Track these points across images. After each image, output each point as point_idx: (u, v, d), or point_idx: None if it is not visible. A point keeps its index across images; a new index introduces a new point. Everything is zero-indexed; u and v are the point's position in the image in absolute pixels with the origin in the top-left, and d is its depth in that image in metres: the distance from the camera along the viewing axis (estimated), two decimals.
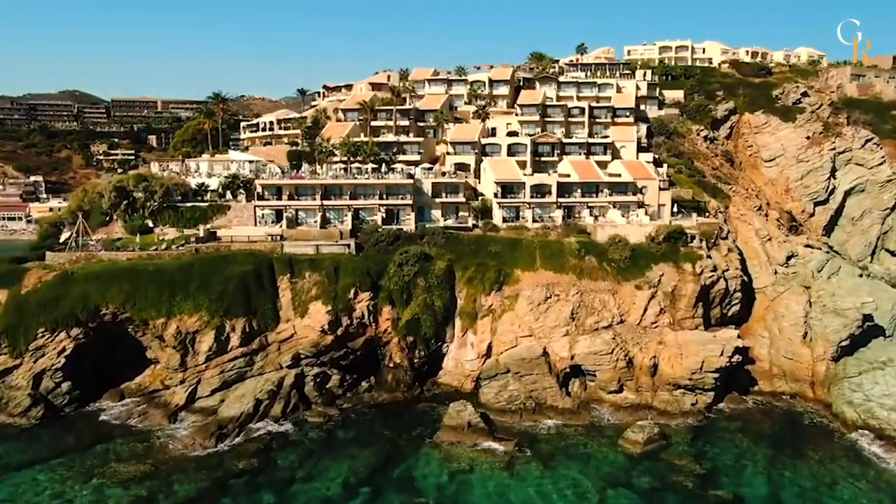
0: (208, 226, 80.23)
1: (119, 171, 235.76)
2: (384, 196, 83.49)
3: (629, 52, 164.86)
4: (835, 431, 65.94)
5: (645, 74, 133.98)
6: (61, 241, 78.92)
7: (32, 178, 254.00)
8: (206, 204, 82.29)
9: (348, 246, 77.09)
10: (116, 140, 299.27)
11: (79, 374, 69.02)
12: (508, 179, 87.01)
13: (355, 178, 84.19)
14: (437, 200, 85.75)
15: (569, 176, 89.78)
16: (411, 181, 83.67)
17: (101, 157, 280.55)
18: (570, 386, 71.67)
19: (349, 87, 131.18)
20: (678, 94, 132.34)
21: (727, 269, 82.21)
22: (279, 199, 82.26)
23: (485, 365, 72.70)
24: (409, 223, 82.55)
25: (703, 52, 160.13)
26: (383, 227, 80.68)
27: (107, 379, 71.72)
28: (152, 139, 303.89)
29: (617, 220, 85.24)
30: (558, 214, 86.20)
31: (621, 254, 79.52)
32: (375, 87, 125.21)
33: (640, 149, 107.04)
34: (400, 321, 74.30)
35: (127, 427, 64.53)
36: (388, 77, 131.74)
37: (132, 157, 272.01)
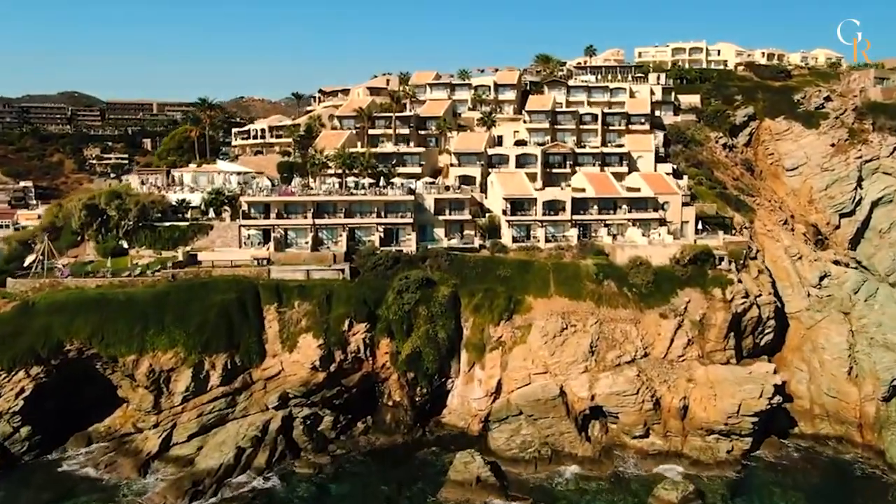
0: (188, 248, 72.78)
1: (112, 175, 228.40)
2: (382, 214, 76.06)
3: (640, 53, 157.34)
4: (890, 486, 58.59)
5: (659, 78, 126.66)
6: (25, 264, 71.39)
7: (22, 184, 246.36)
8: (187, 223, 74.89)
9: (342, 271, 69.66)
10: (110, 143, 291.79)
11: (40, 416, 61.63)
12: (518, 195, 79.56)
13: (351, 195, 76.71)
14: (441, 218, 78.32)
15: (584, 190, 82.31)
16: (412, 197, 76.24)
17: (94, 162, 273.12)
18: (590, 429, 64.26)
19: (346, 91, 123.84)
20: (694, 99, 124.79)
21: (760, 295, 74.87)
22: (267, 217, 74.77)
23: (494, 405, 65.26)
24: (409, 244, 75.15)
25: (719, 54, 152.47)
26: (381, 248, 73.22)
27: (73, 420, 64.31)
28: (147, 143, 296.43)
29: (637, 240, 77.75)
30: (573, 233, 78.75)
31: (643, 278, 72.22)
32: (374, 91, 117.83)
33: (658, 159, 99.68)
34: (400, 355, 66.92)
35: (91, 481, 57.07)
36: (388, 81, 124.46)
37: (126, 162, 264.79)
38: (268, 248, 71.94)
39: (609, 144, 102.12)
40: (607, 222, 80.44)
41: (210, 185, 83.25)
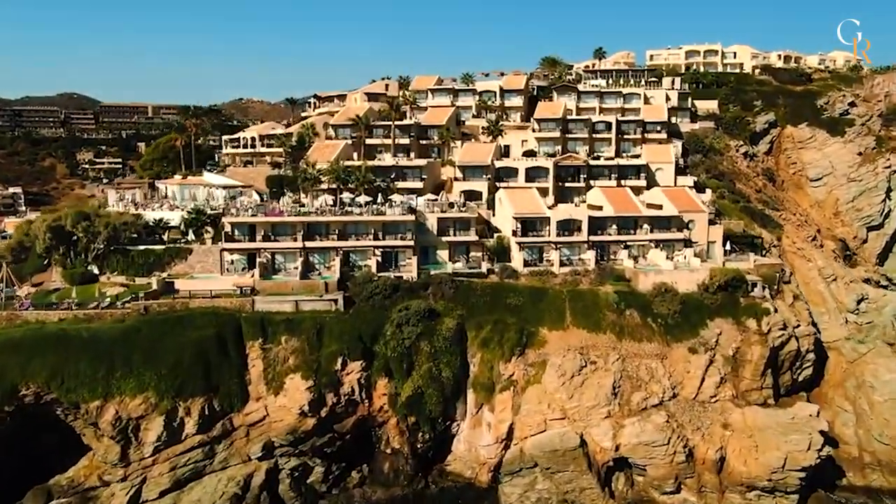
0: (164, 274, 65.62)
1: (105, 181, 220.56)
2: (380, 235, 68.80)
3: (651, 56, 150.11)
4: None
5: (673, 82, 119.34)
6: None
7: (11, 190, 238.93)
8: (163, 247, 67.62)
9: (335, 301, 62.36)
10: (104, 147, 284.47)
11: None
12: (530, 213, 72.17)
13: (345, 214, 69.38)
14: (444, 239, 71.09)
15: (601, 208, 75.03)
16: (413, 217, 68.93)
17: (87, 166, 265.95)
18: (614, 483, 57.06)
19: (342, 97, 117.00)
20: (712, 105, 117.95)
21: (798, 325, 67.64)
22: (252, 240, 67.39)
23: (506, 455, 58.09)
24: (409, 269, 67.87)
25: (735, 56, 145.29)
26: (379, 274, 65.94)
27: (32, 469, 57.13)
28: (142, 146, 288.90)
29: (661, 264, 70.45)
30: (590, 256, 71.39)
31: (669, 307, 65.04)
32: (372, 97, 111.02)
33: (677, 170, 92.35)
34: (399, 397, 59.75)
35: None
36: (387, 86, 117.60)
37: (119, 166, 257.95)
38: (252, 275, 64.60)
39: (624, 155, 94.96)
40: (627, 243, 73.16)
41: (192, 202, 76.17)
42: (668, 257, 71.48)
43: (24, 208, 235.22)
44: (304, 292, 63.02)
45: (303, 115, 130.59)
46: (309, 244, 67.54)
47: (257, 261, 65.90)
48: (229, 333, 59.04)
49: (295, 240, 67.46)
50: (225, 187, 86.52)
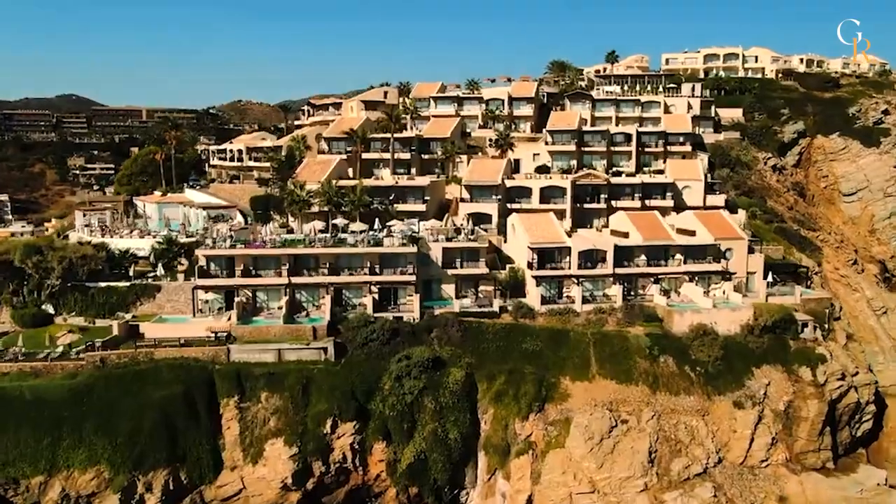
0: (129, 316, 57.05)
1: (95, 187, 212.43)
2: (377, 269, 60.09)
3: (668, 60, 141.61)
4: None
5: (693, 88, 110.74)
6: None
7: None
8: (128, 284, 58.89)
9: (324, 350, 53.74)
10: (96, 152, 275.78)
11: None
12: (548, 243, 63.41)
13: (337, 244, 60.53)
14: (450, 272, 62.40)
15: (627, 235, 66.35)
16: (414, 249, 60.21)
17: (78, 172, 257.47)
18: None
19: (337, 105, 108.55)
20: (736, 113, 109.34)
21: (856, 373, 59.00)
22: (230, 274, 58.59)
23: None
24: (411, 307, 59.17)
25: (756, 60, 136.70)
26: (375, 314, 57.29)
27: None
28: (135, 151, 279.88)
29: (698, 301, 61.81)
30: (616, 291, 62.64)
31: (710, 353, 56.61)
32: (369, 105, 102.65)
33: (706, 188, 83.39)
34: (399, 464, 51.18)
35: None
36: (386, 93, 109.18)
37: (111, 172, 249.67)
38: (229, 318, 55.86)
39: (646, 170, 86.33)
40: (658, 276, 64.47)
41: (166, 229, 67.63)
42: (704, 292, 62.77)
43: (10, 217, 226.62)
44: (289, 339, 54.32)
45: (296, 123, 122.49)
46: (295, 280, 58.81)
47: (235, 300, 57.10)
48: (200, 390, 50.39)
49: (279, 274, 58.72)
50: (206, 207, 78.25)
